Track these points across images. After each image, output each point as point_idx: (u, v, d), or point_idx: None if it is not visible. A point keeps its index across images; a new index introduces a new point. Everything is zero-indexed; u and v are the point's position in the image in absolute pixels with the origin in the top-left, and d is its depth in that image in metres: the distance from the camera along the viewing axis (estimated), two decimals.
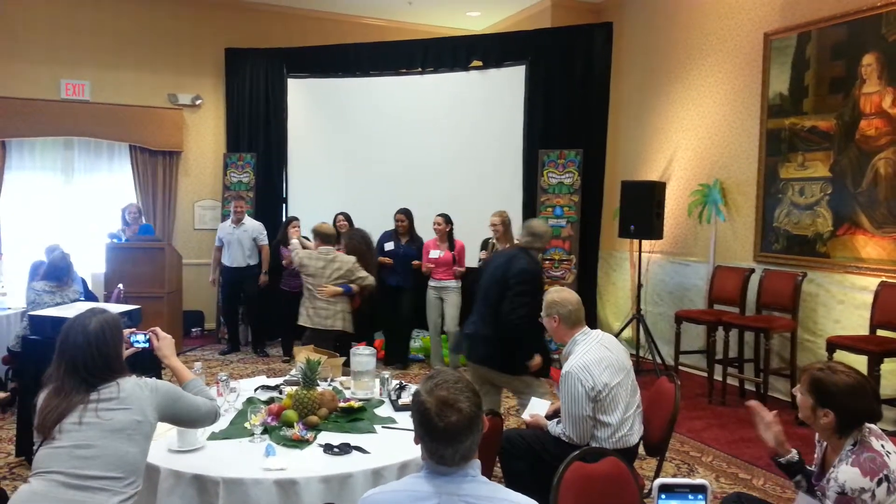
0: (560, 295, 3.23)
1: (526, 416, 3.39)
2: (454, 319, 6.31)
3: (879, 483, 2.02)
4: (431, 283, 6.39)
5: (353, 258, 5.35)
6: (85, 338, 2.18)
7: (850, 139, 5.30)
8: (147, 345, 2.58)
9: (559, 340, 3.23)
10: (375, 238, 6.67)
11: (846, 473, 2.06)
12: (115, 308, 4.48)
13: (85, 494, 2.04)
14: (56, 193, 7.73)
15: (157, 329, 2.63)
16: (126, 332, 2.53)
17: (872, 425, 2.17)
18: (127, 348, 2.50)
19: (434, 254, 6.37)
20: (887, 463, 2.06)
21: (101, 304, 5.42)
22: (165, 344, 2.57)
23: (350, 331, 5.35)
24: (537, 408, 3.42)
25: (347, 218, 6.77)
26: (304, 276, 5.31)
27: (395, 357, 6.74)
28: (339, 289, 5.23)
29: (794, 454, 2.34)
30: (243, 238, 7.03)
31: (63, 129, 7.57)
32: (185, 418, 2.37)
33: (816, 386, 2.17)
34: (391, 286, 6.55)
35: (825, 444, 2.27)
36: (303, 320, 5.31)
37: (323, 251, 5.28)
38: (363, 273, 5.31)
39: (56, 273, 5.07)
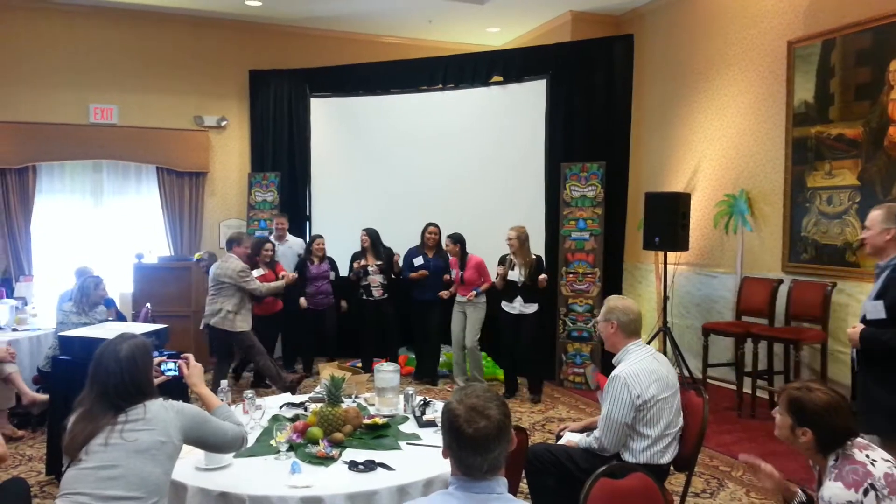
0: (623, 302, 3.21)
1: (564, 441, 3.36)
2: (473, 335, 6.33)
3: (866, 493, 2.00)
4: (458, 297, 6.43)
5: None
6: (117, 364, 2.23)
7: (878, 146, 5.21)
8: (177, 373, 2.66)
9: (613, 348, 3.20)
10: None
11: (830, 489, 2.04)
12: (144, 328, 4.54)
13: None
14: (85, 216, 7.87)
15: (189, 356, 2.70)
16: (156, 360, 2.60)
17: (857, 438, 2.16)
18: (157, 376, 2.56)
19: (452, 273, 6.49)
20: (871, 472, 2.04)
21: (130, 325, 5.50)
22: (195, 372, 2.64)
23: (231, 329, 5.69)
24: (572, 438, 3.38)
25: (370, 234, 6.80)
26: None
27: (424, 373, 6.75)
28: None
29: (800, 495, 2.33)
30: (288, 254, 7.09)
31: (92, 152, 7.72)
32: (212, 442, 2.39)
33: (794, 405, 2.18)
34: (423, 301, 6.58)
35: (817, 466, 2.25)
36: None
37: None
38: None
39: (83, 297, 5.20)
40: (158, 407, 2.25)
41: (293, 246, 7.16)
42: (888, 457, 2.14)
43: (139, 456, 2.14)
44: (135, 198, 8.06)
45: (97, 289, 5.31)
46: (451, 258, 6.52)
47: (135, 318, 6.38)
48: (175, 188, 8.07)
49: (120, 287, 7.30)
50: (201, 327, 6.08)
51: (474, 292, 6.34)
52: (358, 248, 6.84)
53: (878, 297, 3.11)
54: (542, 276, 5.94)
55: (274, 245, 6.69)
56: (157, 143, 7.92)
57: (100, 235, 7.90)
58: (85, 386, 2.27)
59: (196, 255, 7.56)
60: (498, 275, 6.07)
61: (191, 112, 8.20)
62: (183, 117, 8.15)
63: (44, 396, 5.01)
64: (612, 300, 3.25)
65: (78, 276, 5.81)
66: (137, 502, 2.11)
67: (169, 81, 8.05)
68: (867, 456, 2.10)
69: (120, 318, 6.24)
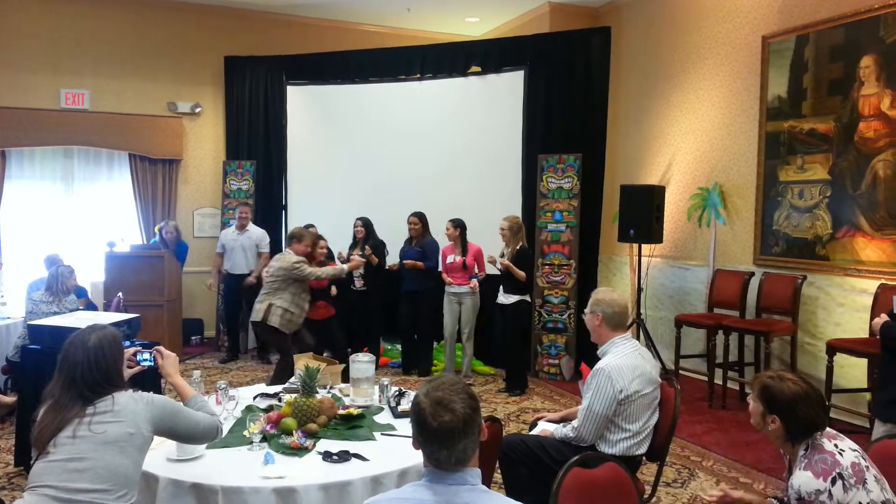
0: (610, 295, 3.22)
1: (538, 431, 3.39)
2: (469, 326, 6.33)
3: (834, 482, 2.05)
4: (449, 288, 6.38)
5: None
6: (84, 353, 2.21)
7: (848, 141, 5.30)
8: (152, 363, 2.63)
9: (598, 340, 3.20)
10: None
11: (799, 478, 2.09)
12: (115, 317, 4.48)
13: None
14: (56, 202, 7.74)
15: (161, 347, 2.67)
16: (131, 350, 2.58)
17: (827, 428, 2.21)
18: (132, 366, 2.55)
19: (448, 258, 6.40)
20: (839, 461, 2.09)
21: (101, 314, 5.43)
22: (169, 362, 2.61)
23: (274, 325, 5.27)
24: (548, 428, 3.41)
25: (364, 223, 6.75)
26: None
27: (414, 364, 6.71)
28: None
29: (771, 501, 2.40)
30: (247, 245, 7.05)
31: (63, 138, 7.59)
32: (184, 433, 2.36)
33: (765, 393, 2.24)
34: (405, 292, 6.56)
35: (787, 456, 2.30)
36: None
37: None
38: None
39: (54, 286, 5.12)
40: (127, 398, 2.22)
41: (252, 236, 7.10)
42: (856, 447, 2.19)
43: (107, 448, 2.11)
44: (107, 185, 7.94)
45: (70, 276, 5.23)
46: (442, 249, 6.48)
47: (106, 308, 6.30)
48: (148, 175, 7.96)
49: (91, 276, 7.20)
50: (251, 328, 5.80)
51: (475, 281, 6.31)
52: (340, 239, 6.81)
53: None
54: (490, 256, 6.04)
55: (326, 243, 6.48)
56: (130, 130, 7.80)
57: (71, 223, 7.78)
58: (53, 376, 2.24)
59: (157, 227, 7.47)
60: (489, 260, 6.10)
61: (164, 98, 8.07)
62: (156, 103, 8.03)
63: (11, 399, 4.92)
64: (600, 292, 3.25)
65: (48, 264, 5.71)
66: (106, 495, 2.08)
67: (142, 67, 7.93)
68: (836, 446, 2.15)
69: (91, 307, 6.15)
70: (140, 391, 2.32)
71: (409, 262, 6.45)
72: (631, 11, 7.63)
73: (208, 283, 7.28)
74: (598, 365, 3.04)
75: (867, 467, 2.12)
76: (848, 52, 5.30)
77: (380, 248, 6.73)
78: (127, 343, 2.60)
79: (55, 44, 7.56)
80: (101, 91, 7.76)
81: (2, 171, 7.34)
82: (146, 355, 2.64)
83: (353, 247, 6.75)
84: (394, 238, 6.80)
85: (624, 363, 3.01)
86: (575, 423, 3.08)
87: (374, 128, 7.63)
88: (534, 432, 3.37)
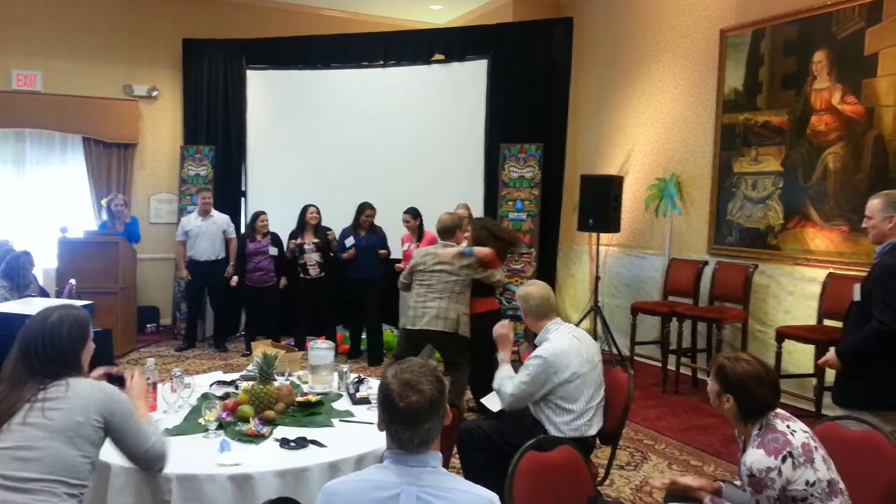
0: (525, 290, 3.36)
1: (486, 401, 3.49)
2: None
3: (784, 460, 2.13)
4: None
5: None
6: (41, 327, 2.14)
7: (801, 134, 5.44)
8: (121, 382, 2.48)
9: (535, 330, 3.32)
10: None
11: (752, 455, 2.17)
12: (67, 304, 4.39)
13: (25, 497, 1.97)
14: (7, 186, 7.52)
15: (137, 372, 2.56)
16: (102, 369, 2.54)
17: (779, 410, 2.29)
18: (103, 374, 2.48)
19: (404, 247, 6.41)
20: (790, 441, 2.17)
21: (53, 301, 5.32)
22: (137, 386, 2.48)
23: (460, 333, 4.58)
24: (496, 399, 3.47)
25: (319, 211, 6.77)
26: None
27: (357, 353, 6.73)
28: (455, 249, 4.61)
29: (720, 484, 2.47)
30: (213, 231, 6.92)
31: (14, 120, 7.37)
32: (131, 440, 2.20)
33: (720, 373, 2.31)
34: (357, 279, 6.54)
35: (742, 436, 2.38)
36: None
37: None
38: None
39: (13, 274, 5.00)
40: (85, 384, 2.14)
41: (218, 222, 7.00)
42: (807, 428, 2.28)
43: (56, 436, 2.03)
44: (60, 169, 7.74)
45: (32, 268, 5.11)
46: (405, 234, 6.48)
47: (58, 295, 6.15)
48: (102, 160, 7.78)
49: (44, 262, 7.02)
50: (415, 327, 4.62)
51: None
52: (294, 227, 6.77)
53: (870, 276, 3.25)
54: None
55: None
56: (84, 113, 7.61)
57: (22, 208, 7.56)
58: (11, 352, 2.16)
59: (103, 201, 7.29)
60: None
61: (120, 81, 7.89)
62: (111, 86, 7.84)
63: None
64: (524, 290, 3.37)
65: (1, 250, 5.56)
66: (55, 485, 2.01)
67: (97, 48, 7.73)
68: (788, 426, 2.23)
69: (43, 294, 6.01)
70: (106, 383, 2.25)
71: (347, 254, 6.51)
72: (593, 3, 7.69)
73: (182, 275, 7.06)
74: (538, 351, 3.14)
75: (816, 448, 2.20)
76: (801, 47, 5.43)
77: (324, 234, 6.78)
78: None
79: (6, 23, 7.31)
80: (54, 72, 7.54)
81: None
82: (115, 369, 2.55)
83: (294, 235, 6.75)
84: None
85: (559, 349, 3.10)
86: (511, 386, 3.13)
87: (335, 114, 7.56)
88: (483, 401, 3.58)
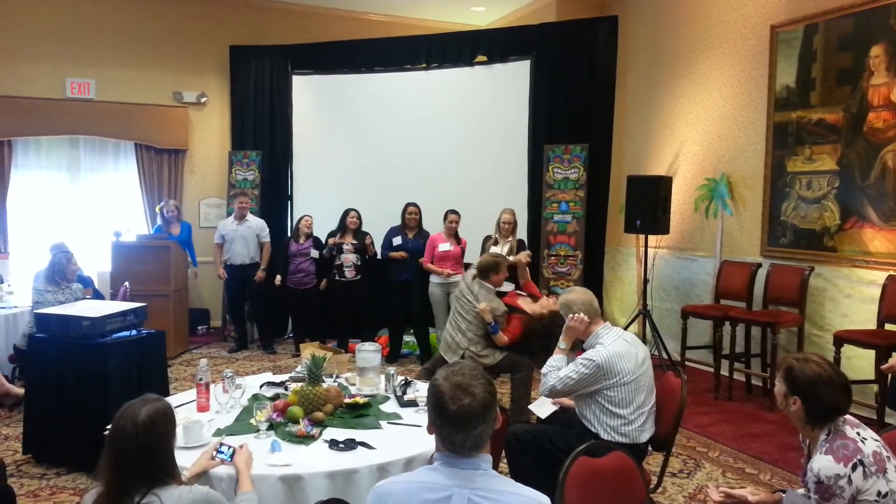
0: (576, 295, 3.27)
1: (534, 407, 3.43)
2: None
3: (854, 468, 2.04)
4: (436, 279, 6.36)
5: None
6: (134, 430, 1.96)
7: (857, 132, 5.26)
8: (230, 459, 2.44)
9: (582, 337, 3.24)
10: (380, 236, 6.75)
11: (820, 462, 2.08)
12: (122, 306, 4.49)
13: None
14: (62, 192, 7.76)
15: (246, 445, 2.54)
16: (217, 440, 2.53)
17: (848, 416, 2.20)
18: (214, 459, 2.44)
19: (443, 247, 6.35)
20: (861, 448, 2.08)
21: (109, 303, 5.42)
22: (243, 458, 2.44)
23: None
24: (546, 406, 3.43)
25: (360, 215, 6.84)
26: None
27: (422, 356, 6.71)
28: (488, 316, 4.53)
29: (779, 496, 2.38)
30: (247, 235, 7.04)
31: (68, 127, 7.59)
32: None
33: (788, 374, 2.23)
34: (400, 281, 6.55)
35: (807, 440, 2.29)
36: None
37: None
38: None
39: (54, 273, 5.13)
40: (176, 499, 1.95)
41: (252, 226, 7.09)
42: (877, 437, 2.18)
43: None
44: (112, 174, 7.95)
45: (70, 263, 5.23)
46: (430, 237, 6.47)
47: (113, 297, 6.32)
48: (154, 165, 7.97)
49: (98, 265, 7.22)
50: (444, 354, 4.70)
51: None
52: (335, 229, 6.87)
53: None
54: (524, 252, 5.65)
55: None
56: (136, 119, 7.80)
57: (77, 212, 7.79)
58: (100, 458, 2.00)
59: (157, 208, 7.52)
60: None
61: (170, 88, 8.07)
62: (162, 93, 8.02)
63: (20, 390, 4.93)
64: (567, 297, 3.28)
65: (52, 252, 5.72)
66: None
67: (148, 56, 7.92)
68: (858, 434, 2.14)
69: (97, 296, 6.17)
70: (198, 486, 2.09)
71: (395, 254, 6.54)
72: (638, 0, 7.58)
73: (219, 273, 7.22)
74: (591, 355, 3.06)
75: (888, 458, 2.11)
76: (857, 42, 5.26)
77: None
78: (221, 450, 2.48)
79: (60, 32, 7.55)
80: (107, 80, 7.75)
81: (8, 160, 7.35)
82: (224, 449, 2.47)
83: (333, 234, 6.83)
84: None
85: (613, 352, 3.04)
86: (555, 379, 3.10)
87: (379, 118, 7.61)
88: (532, 407, 3.55)
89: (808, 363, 2.20)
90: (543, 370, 3.22)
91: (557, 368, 3.16)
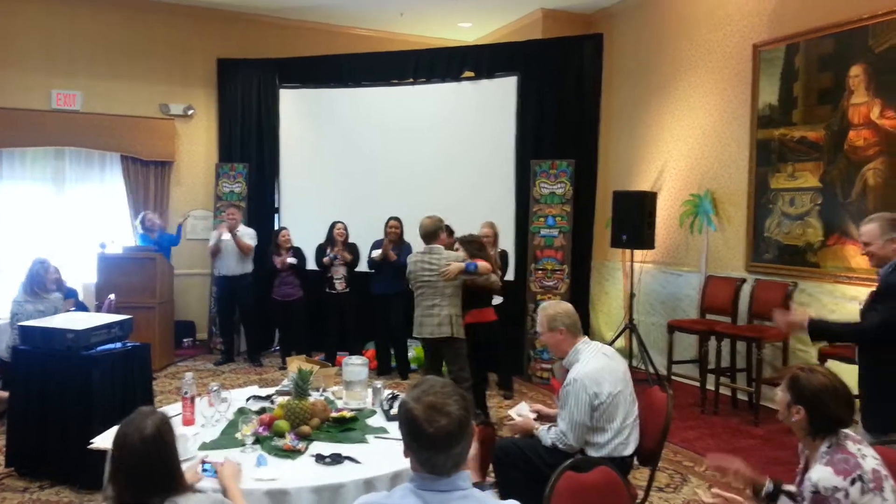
0: (560, 307, 3.28)
1: (514, 413, 3.42)
2: None
3: (853, 482, 2.06)
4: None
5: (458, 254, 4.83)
6: (143, 444, 1.95)
7: (839, 150, 5.34)
8: (213, 475, 2.44)
9: (561, 353, 3.23)
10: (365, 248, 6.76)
11: (819, 472, 2.10)
12: (108, 318, 4.46)
13: None
14: (47, 203, 7.70)
15: (229, 459, 2.54)
16: (202, 455, 2.54)
17: (849, 431, 2.22)
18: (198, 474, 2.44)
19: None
20: (861, 464, 2.10)
21: (92, 315, 5.38)
22: (228, 470, 2.43)
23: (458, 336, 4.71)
24: (525, 411, 3.44)
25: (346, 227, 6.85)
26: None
27: (391, 366, 6.75)
28: (461, 264, 4.65)
29: (769, 484, 2.39)
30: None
31: (54, 139, 7.55)
32: None
33: (793, 384, 2.25)
34: (378, 295, 6.57)
35: (807, 451, 2.31)
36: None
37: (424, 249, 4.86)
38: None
39: (32, 284, 5.09)
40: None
41: (244, 237, 7.08)
42: (877, 455, 2.19)
43: None
44: (98, 186, 7.90)
45: (47, 272, 5.18)
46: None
47: (98, 309, 6.27)
48: (140, 177, 7.93)
49: (83, 277, 7.16)
50: (421, 335, 4.80)
51: None
52: (322, 240, 6.87)
53: (875, 293, 3.19)
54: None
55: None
56: (122, 131, 7.77)
57: (62, 224, 7.73)
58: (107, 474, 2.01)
59: (136, 222, 7.47)
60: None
61: (156, 100, 8.06)
62: (148, 105, 8.01)
63: (3, 394, 4.88)
64: (548, 309, 3.28)
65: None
66: None
67: (135, 68, 7.90)
68: (859, 450, 2.16)
69: (81, 308, 6.12)
70: (211, 492, 2.12)
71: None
72: (623, 19, 7.68)
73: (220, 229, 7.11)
74: (571, 375, 3.06)
75: (886, 476, 2.12)
76: (838, 62, 5.35)
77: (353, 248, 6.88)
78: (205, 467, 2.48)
79: (47, 44, 7.52)
80: (93, 92, 7.72)
81: None
82: (208, 466, 2.48)
83: (324, 247, 6.82)
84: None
85: (593, 368, 3.04)
86: (556, 431, 3.08)
87: (366, 131, 7.63)
88: (511, 412, 3.45)
89: (815, 374, 2.23)
90: (549, 443, 3.12)
91: (553, 427, 3.12)
